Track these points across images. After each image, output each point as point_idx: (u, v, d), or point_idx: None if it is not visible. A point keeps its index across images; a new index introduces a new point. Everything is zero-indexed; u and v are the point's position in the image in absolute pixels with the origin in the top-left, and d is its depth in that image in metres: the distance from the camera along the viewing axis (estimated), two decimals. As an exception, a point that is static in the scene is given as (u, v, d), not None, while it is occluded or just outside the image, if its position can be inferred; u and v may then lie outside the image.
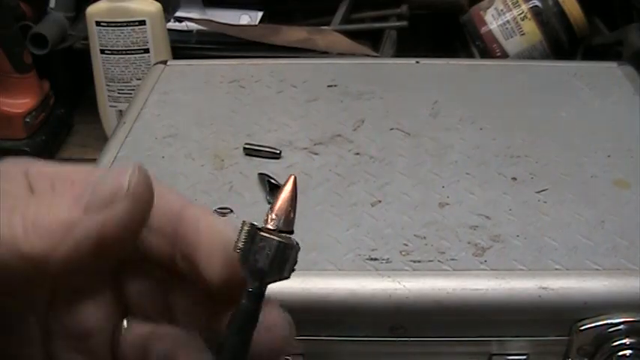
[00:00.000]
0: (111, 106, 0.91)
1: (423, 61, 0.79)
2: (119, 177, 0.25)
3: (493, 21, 0.96)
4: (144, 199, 0.26)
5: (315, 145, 0.64)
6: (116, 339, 0.28)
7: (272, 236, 0.25)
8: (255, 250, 0.25)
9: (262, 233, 0.25)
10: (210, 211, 0.28)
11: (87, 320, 0.27)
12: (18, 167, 0.27)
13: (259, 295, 0.25)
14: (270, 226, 0.25)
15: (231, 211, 0.55)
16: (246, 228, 0.25)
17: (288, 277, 0.26)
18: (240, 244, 0.25)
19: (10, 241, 0.24)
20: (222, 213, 0.55)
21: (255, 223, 0.25)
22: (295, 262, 0.26)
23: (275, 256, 0.25)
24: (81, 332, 0.27)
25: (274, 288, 0.26)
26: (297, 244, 0.26)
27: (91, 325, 0.27)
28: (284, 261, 0.25)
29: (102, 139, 0.84)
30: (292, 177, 0.26)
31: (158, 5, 0.88)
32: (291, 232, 0.26)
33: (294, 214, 0.26)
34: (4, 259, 0.24)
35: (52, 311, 0.27)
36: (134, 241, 0.26)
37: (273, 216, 0.26)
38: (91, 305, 0.28)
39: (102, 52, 0.88)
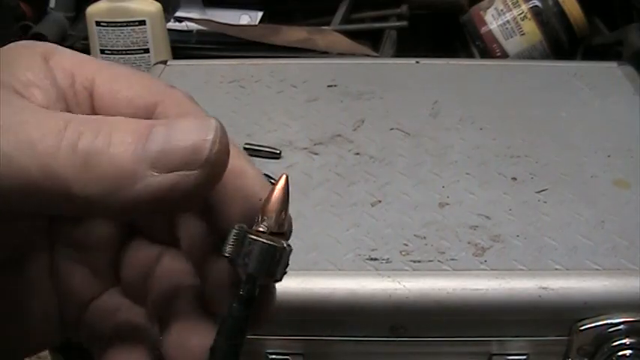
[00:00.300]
0: (111, 106, 0.91)
1: (423, 61, 0.79)
2: (199, 137, 0.22)
3: (493, 21, 0.96)
4: (222, 167, 0.23)
5: (315, 145, 0.64)
6: (120, 258, 0.27)
7: (260, 239, 0.24)
8: (244, 253, 0.24)
9: (251, 236, 0.24)
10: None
11: (92, 232, 0.27)
12: (35, 50, 0.25)
13: (250, 299, 0.25)
14: (260, 228, 0.25)
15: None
16: (234, 231, 0.24)
17: (280, 280, 0.25)
18: (229, 248, 0.24)
19: (54, 174, 0.21)
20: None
21: (244, 226, 0.25)
22: (287, 264, 0.25)
23: (264, 259, 0.24)
24: (84, 243, 0.27)
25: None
26: (288, 245, 0.25)
27: (95, 238, 0.27)
28: (274, 264, 0.25)
29: (102, 139, 0.84)
30: (284, 176, 0.25)
31: (158, 5, 0.88)
32: (284, 233, 0.25)
33: (286, 214, 0.25)
34: (41, 187, 0.21)
35: (57, 221, 0.27)
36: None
37: (264, 217, 0.25)
38: (98, 219, 0.27)
39: (102, 52, 0.88)
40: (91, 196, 0.21)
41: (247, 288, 0.25)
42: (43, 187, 0.21)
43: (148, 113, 0.25)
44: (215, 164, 0.22)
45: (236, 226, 0.25)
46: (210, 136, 0.22)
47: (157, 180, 0.21)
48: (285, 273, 0.25)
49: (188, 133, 0.22)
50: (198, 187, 0.22)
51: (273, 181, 0.58)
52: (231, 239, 0.24)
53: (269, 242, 0.24)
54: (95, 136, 0.21)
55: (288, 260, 0.25)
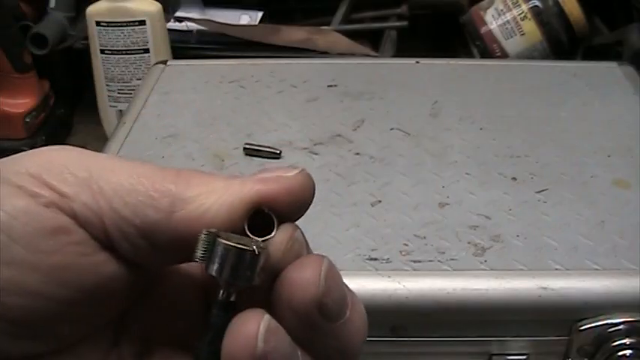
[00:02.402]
0: (111, 106, 0.91)
1: (423, 61, 0.79)
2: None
3: (493, 21, 0.96)
4: None
5: (315, 145, 0.64)
6: None
7: (230, 242, 0.23)
8: (215, 258, 0.23)
9: (220, 240, 0.23)
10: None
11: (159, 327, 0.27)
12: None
13: (228, 305, 0.24)
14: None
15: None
16: (203, 235, 0.23)
17: (257, 283, 0.24)
18: (200, 254, 0.23)
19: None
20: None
21: (214, 230, 0.23)
22: (262, 267, 0.24)
23: (236, 264, 0.23)
24: (149, 339, 0.26)
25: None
26: (261, 247, 0.24)
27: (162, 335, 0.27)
28: (246, 267, 0.23)
29: (102, 139, 0.84)
30: None
31: (158, 5, 0.88)
32: (260, 234, 0.24)
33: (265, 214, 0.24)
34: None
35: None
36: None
37: None
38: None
39: (102, 52, 0.88)
40: None
41: (223, 293, 0.24)
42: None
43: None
44: None
45: (205, 231, 0.23)
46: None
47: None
48: (261, 276, 0.24)
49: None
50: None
51: None
52: (201, 245, 0.23)
53: (238, 246, 0.23)
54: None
55: (261, 262, 0.24)
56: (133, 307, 0.26)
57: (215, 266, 0.23)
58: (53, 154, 0.24)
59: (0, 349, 0.23)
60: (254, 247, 0.23)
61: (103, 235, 0.24)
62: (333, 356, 0.24)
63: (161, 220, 0.23)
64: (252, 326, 0.22)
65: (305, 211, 0.25)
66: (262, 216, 0.25)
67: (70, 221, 0.23)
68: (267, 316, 0.23)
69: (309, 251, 0.25)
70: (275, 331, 0.22)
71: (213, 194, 0.24)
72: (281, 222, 0.25)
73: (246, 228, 0.24)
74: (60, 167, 0.24)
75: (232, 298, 0.24)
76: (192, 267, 0.26)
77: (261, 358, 0.22)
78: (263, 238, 0.24)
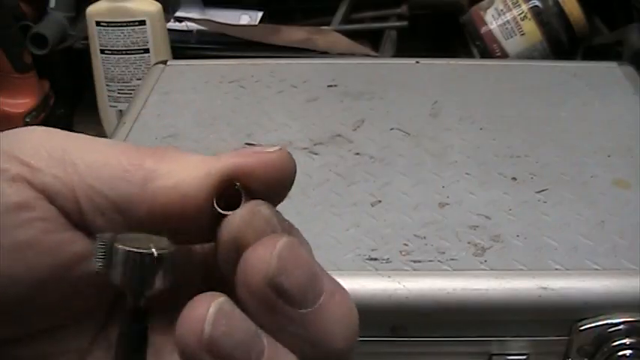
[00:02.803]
0: (111, 106, 0.91)
1: (423, 61, 0.79)
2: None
3: (493, 21, 0.96)
4: None
5: (315, 145, 0.64)
6: None
7: (124, 247, 0.22)
8: (114, 264, 0.22)
9: (116, 245, 0.22)
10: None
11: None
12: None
13: (138, 313, 0.22)
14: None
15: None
16: (99, 242, 0.22)
17: (167, 288, 0.22)
18: (99, 262, 0.22)
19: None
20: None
21: (110, 234, 0.22)
22: (168, 270, 0.22)
23: (135, 269, 0.22)
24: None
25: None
26: (162, 249, 0.22)
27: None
28: (148, 272, 0.22)
29: (102, 139, 0.84)
30: None
31: (158, 5, 0.88)
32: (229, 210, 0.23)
33: None
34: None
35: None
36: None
37: None
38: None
39: (102, 52, 0.88)
40: None
41: (131, 301, 0.22)
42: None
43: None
44: None
45: (101, 237, 0.22)
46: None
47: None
48: (171, 279, 0.22)
49: None
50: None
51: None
52: (99, 252, 0.22)
53: (135, 250, 0.22)
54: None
55: (165, 265, 0.22)
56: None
57: (116, 274, 0.22)
58: (29, 133, 0.24)
59: None
60: (153, 249, 0.22)
61: (76, 211, 0.23)
62: (305, 348, 0.22)
63: (135, 193, 0.23)
64: (201, 309, 0.20)
65: (285, 192, 0.24)
66: (236, 192, 0.23)
67: (36, 196, 0.22)
68: (221, 299, 0.21)
69: (288, 232, 0.23)
70: (228, 314, 0.21)
71: (188, 167, 0.23)
72: (253, 199, 0.23)
73: (214, 202, 0.23)
74: (34, 144, 0.23)
75: (142, 305, 0.22)
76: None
77: (209, 344, 0.20)
78: (225, 212, 0.23)
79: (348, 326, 0.23)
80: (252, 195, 0.23)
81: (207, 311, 0.20)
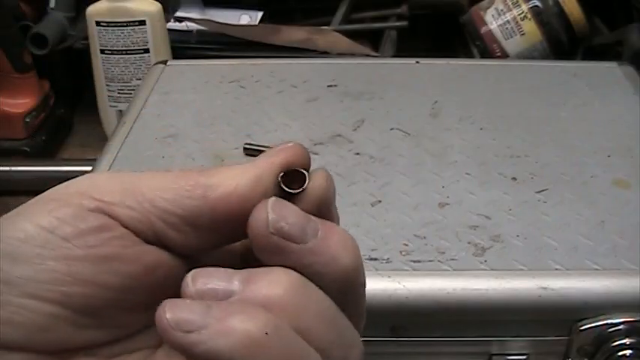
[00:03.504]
0: (111, 106, 0.91)
1: (423, 61, 0.79)
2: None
3: (493, 21, 0.96)
4: None
5: (315, 145, 0.64)
6: None
7: None
8: None
9: None
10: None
11: None
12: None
13: None
14: None
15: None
16: None
17: None
18: None
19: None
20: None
21: None
22: None
23: None
24: None
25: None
26: None
27: None
28: None
29: (102, 139, 0.84)
30: None
31: (158, 5, 0.88)
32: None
33: None
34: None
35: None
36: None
37: None
38: None
39: (102, 52, 0.88)
40: None
41: None
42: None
43: None
44: None
45: None
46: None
47: None
48: None
49: None
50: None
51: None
52: None
53: None
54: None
55: None
56: None
57: None
58: (98, 176, 0.29)
59: (67, 339, 0.26)
60: None
61: (151, 231, 0.27)
62: (319, 270, 0.27)
63: (199, 205, 0.27)
64: (262, 204, 0.26)
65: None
66: (291, 176, 0.28)
67: (113, 222, 0.26)
68: (273, 198, 0.26)
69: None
70: (283, 203, 0.26)
71: (238, 173, 0.27)
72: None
73: (281, 183, 0.27)
74: (104, 183, 0.28)
75: None
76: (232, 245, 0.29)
77: (273, 225, 0.26)
78: (294, 191, 0.28)
79: (348, 245, 0.28)
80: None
81: (267, 204, 0.26)
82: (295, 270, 0.26)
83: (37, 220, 0.26)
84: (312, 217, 0.27)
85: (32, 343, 0.25)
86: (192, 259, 0.28)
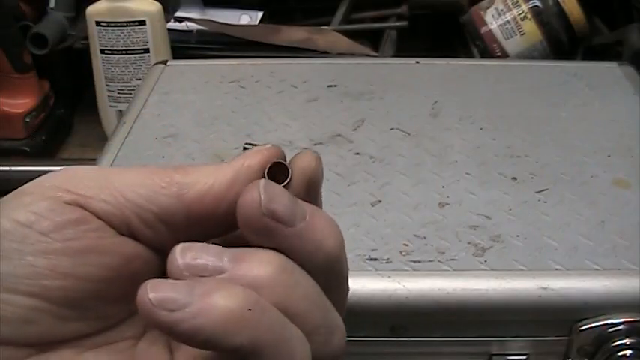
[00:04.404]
0: (111, 106, 0.91)
1: (423, 61, 0.79)
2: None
3: (493, 21, 0.96)
4: None
5: (315, 145, 0.64)
6: None
7: None
8: None
9: None
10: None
11: None
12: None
13: None
14: None
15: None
16: None
17: None
18: None
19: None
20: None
21: None
22: None
23: None
24: None
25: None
26: None
27: None
28: None
29: (102, 139, 0.84)
30: None
31: (158, 5, 0.88)
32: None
33: None
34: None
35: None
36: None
37: None
38: None
39: (102, 52, 0.88)
40: None
41: None
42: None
43: None
44: None
45: None
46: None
47: None
48: None
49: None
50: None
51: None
52: None
53: None
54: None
55: None
56: None
57: None
58: (74, 170, 0.29)
59: (50, 332, 0.26)
60: None
61: (125, 226, 0.27)
62: (314, 253, 0.27)
63: (174, 203, 0.27)
64: (254, 185, 0.26)
65: None
66: (276, 169, 0.28)
67: (89, 214, 0.27)
68: (263, 180, 0.27)
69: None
70: (273, 186, 0.26)
71: (214, 172, 0.28)
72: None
73: (266, 176, 0.27)
74: (80, 177, 0.28)
75: None
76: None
77: (265, 206, 0.26)
78: (283, 183, 0.27)
79: (333, 230, 0.28)
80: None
81: (259, 185, 0.26)
82: (281, 252, 0.26)
83: (14, 215, 0.26)
84: (300, 201, 0.27)
85: (15, 336, 0.26)
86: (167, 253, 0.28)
